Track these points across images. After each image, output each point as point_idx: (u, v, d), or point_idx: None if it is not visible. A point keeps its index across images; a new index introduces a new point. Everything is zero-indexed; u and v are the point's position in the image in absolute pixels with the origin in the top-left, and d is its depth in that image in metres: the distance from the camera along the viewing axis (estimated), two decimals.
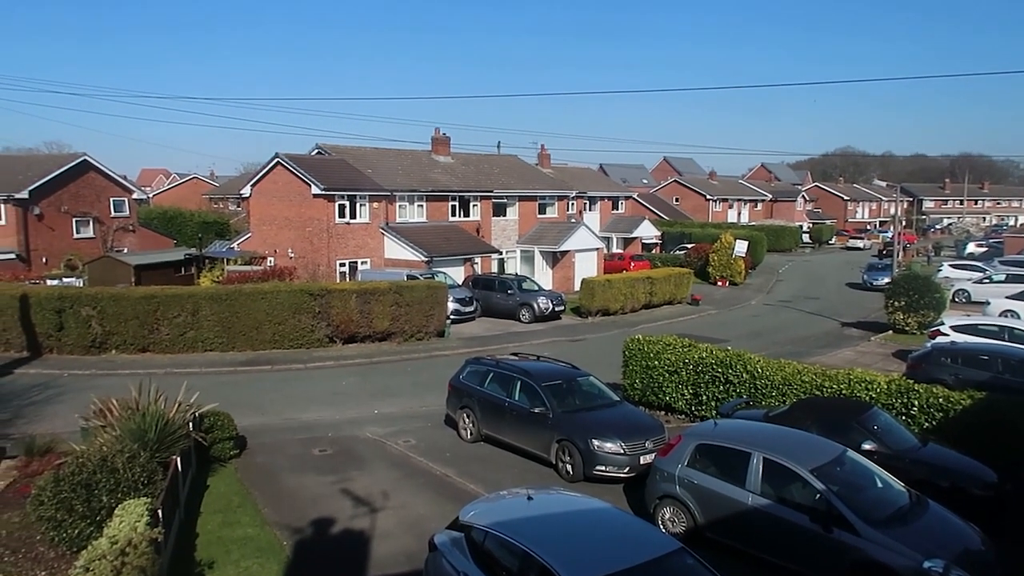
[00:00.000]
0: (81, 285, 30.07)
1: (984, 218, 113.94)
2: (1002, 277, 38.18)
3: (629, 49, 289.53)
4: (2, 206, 36.01)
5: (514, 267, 41.78)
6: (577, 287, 36.40)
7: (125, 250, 39.61)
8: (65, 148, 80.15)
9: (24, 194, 35.63)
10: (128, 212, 42.17)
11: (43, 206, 36.90)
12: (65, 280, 31.52)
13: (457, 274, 35.60)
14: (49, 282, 30.23)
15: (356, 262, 34.97)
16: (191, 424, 13.65)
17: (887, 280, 37.79)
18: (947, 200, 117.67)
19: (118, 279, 30.61)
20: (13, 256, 35.58)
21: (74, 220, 38.75)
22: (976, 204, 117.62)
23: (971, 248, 63.36)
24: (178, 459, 11.71)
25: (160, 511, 9.69)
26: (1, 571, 10.03)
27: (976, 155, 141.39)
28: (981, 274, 40.71)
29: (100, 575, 8.04)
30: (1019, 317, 27.66)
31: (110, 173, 41.22)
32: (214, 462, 14.48)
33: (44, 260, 36.60)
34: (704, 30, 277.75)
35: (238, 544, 11.26)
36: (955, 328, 23.73)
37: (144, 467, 10.96)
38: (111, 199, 40.98)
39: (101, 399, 13.71)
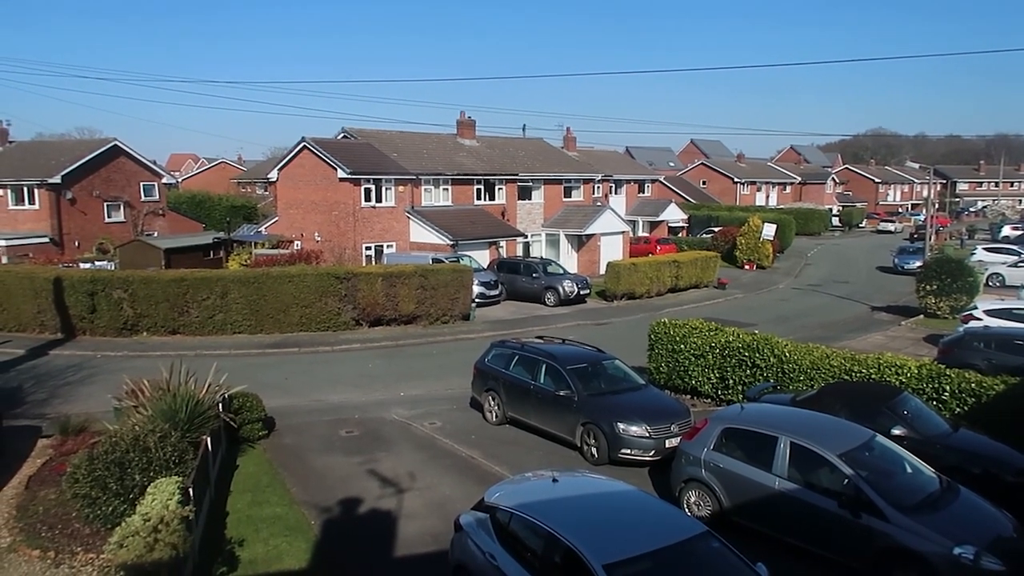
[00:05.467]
0: (113, 268, 30.58)
1: (1020, 200, 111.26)
2: None
3: (655, 30, 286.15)
4: (36, 191, 36.73)
5: (539, 251, 41.69)
6: (602, 271, 36.23)
7: (155, 234, 40.17)
8: (96, 133, 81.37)
9: (57, 179, 36.27)
10: (158, 196, 42.75)
11: (75, 191, 37.52)
12: (97, 263, 32.05)
13: (482, 257, 35.61)
14: (82, 265, 30.76)
15: (382, 245, 35.12)
16: (220, 405, 13.83)
17: (919, 264, 37.14)
18: (982, 182, 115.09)
19: (148, 262, 31.09)
20: (47, 240, 36.28)
21: (105, 204, 39.37)
22: (1012, 186, 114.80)
23: (1006, 231, 61.99)
24: (208, 439, 11.88)
25: (191, 490, 9.85)
26: (39, 546, 10.29)
27: (1013, 135, 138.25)
28: (1016, 258, 39.86)
29: (133, 551, 8.22)
30: None
31: (140, 158, 41.77)
32: (243, 442, 14.69)
33: (76, 244, 37.26)
34: (730, 8, 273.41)
35: (267, 523, 11.44)
36: (989, 312, 23.32)
37: (175, 447, 11.15)
38: (141, 183, 41.57)
39: (133, 380, 13.94)
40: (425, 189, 36.95)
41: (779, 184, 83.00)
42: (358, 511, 12.10)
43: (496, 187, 40.14)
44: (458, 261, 31.25)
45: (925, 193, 79.06)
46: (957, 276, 29.17)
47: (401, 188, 35.79)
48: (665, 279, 35.68)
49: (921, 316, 29.99)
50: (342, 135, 38.91)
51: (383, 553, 10.75)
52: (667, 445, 13.42)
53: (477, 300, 30.07)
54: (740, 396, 16.29)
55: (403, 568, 10.42)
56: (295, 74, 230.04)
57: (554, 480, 9.20)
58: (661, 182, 61.72)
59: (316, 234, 35.57)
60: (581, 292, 33.19)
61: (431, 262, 29.78)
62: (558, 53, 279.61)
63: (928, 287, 29.61)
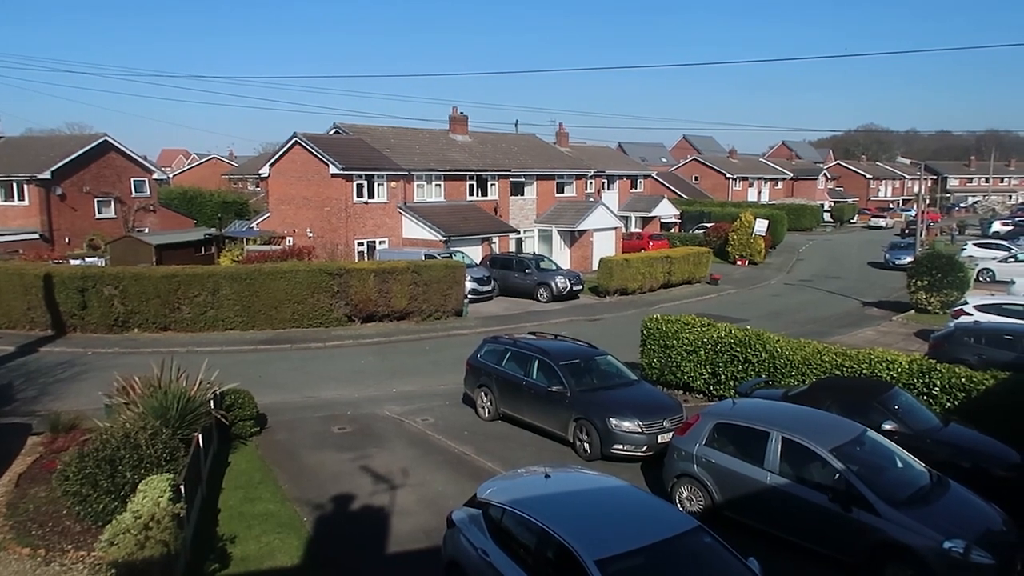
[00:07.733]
0: (103, 265, 30.42)
1: (1010, 196, 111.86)
2: None
3: (647, 25, 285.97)
4: (25, 187, 36.47)
5: (532, 246, 41.67)
6: (595, 266, 36.29)
7: (146, 230, 39.99)
8: (86, 129, 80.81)
9: (47, 175, 36.03)
10: (149, 192, 42.50)
11: (65, 186, 37.28)
12: (88, 260, 31.90)
13: (475, 253, 35.59)
14: (72, 262, 30.59)
15: (374, 241, 35.05)
16: (212, 402, 13.78)
17: (910, 259, 37.21)
18: (972, 178, 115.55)
19: (139, 259, 30.93)
20: (37, 236, 36.04)
21: (96, 200, 39.12)
22: (1002, 182, 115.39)
23: (996, 227, 62.24)
24: (200, 436, 11.84)
25: (182, 487, 9.82)
26: (30, 544, 10.24)
27: (1003, 131, 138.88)
28: (1006, 253, 40.10)
29: (125, 548, 8.20)
30: None
31: (130, 153, 41.52)
32: (235, 439, 14.64)
33: (67, 240, 37.05)
34: (723, 4, 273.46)
35: (259, 519, 11.42)
36: (979, 308, 23.40)
37: (166, 444, 11.12)
38: (132, 179, 41.32)
39: (124, 377, 13.86)
40: (418, 185, 36.87)
41: (771, 180, 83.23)
42: (351, 507, 12.09)
43: (489, 183, 40.10)
44: (451, 257, 31.22)
45: (916, 189, 79.51)
46: (948, 272, 29.30)
47: (393, 184, 35.71)
48: (657, 275, 35.73)
49: (912, 311, 30.13)
50: (334, 131, 38.73)
51: (376, 549, 10.74)
52: (659, 441, 13.45)
53: (470, 296, 30.06)
54: (732, 391, 16.33)
55: (396, 564, 10.41)
56: (287, 69, 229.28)
57: (546, 476, 9.22)
58: (653, 178, 61.77)
59: (308, 230, 35.46)
60: (574, 288, 33.20)
61: (424, 258, 29.74)
62: (551, 49, 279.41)
63: (919, 283, 29.73)
